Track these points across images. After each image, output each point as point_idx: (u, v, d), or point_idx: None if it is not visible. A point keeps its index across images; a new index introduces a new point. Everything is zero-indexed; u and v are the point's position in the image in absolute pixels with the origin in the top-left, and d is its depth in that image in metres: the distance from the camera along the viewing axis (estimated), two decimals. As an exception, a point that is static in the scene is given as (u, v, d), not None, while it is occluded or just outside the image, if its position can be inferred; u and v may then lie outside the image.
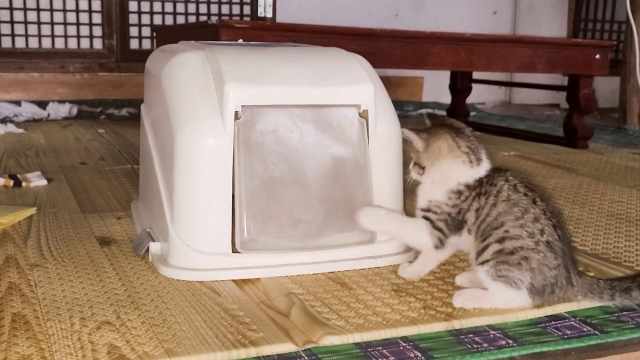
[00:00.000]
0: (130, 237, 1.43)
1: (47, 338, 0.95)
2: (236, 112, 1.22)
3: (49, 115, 3.44)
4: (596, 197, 1.86)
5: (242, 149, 1.23)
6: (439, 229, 1.15)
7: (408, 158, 1.22)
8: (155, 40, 3.67)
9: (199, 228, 1.23)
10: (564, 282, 1.07)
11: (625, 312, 1.11)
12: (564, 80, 2.98)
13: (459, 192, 1.13)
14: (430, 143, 1.15)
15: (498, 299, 1.09)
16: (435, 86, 4.32)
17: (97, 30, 3.91)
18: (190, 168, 1.23)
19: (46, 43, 3.81)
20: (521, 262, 1.05)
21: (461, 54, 2.51)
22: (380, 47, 2.38)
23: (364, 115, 1.30)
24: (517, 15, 4.75)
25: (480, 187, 1.13)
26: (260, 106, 1.25)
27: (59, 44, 3.84)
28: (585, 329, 1.05)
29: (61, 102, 3.58)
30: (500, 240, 1.07)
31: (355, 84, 1.30)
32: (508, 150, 2.66)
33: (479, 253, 1.09)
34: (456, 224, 1.14)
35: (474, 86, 3.59)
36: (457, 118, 3.51)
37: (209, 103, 1.25)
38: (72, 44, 3.86)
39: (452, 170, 1.14)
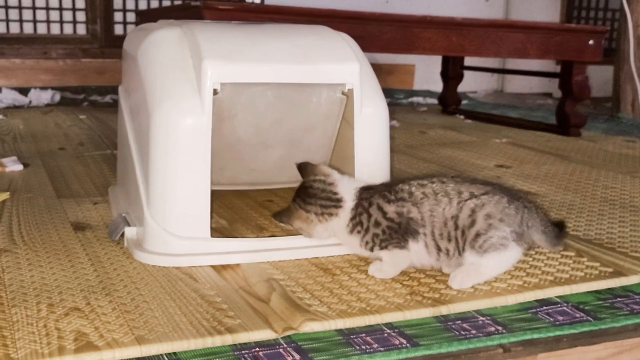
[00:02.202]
0: (106, 223, 1.37)
1: (10, 325, 0.90)
2: (215, 90, 1.17)
3: (30, 102, 3.37)
4: (589, 184, 1.82)
5: (215, 119, 1.18)
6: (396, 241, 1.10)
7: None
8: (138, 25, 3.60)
9: (176, 211, 1.18)
10: (528, 223, 1.10)
11: (619, 299, 1.07)
12: (557, 69, 2.93)
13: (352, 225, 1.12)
14: (293, 224, 1.15)
15: (494, 267, 1.08)
16: (427, 74, 4.26)
17: (81, 16, 3.84)
18: (167, 149, 1.18)
19: (28, 28, 3.74)
20: (490, 222, 1.05)
21: (452, 39, 2.46)
22: (370, 31, 2.32)
23: (348, 94, 1.25)
24: (509, 3, 4.69)
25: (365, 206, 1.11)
26: (240, 84, 1.19)
27: (41, 29, 3.77)
28: (577, 315, 1.00)
29: (43, 88, 3.51)
30: (464, 227, 1.06)
31: (339, 62, 1.25)
32: (500, 138, 2.61)
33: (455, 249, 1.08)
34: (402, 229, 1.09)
35: (466, 75, 3.54)
36: (449, 106, 3.48)
37: (186, 81, 1.19)
38: (55, 29, 3.78)
39: (325, 229, 1.14)
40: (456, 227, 1.06)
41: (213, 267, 1.14)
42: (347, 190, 1.12)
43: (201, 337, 0.88)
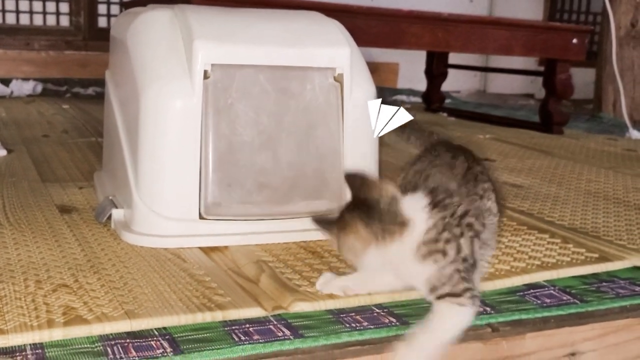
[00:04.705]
0: (92, 206, 1.36)
1: (-3, 300, 0.89)
2: (205, 72, 1.16)
3: (12, 92, 3.33)
4: (573, 177, 1.83)
5: (210, 110, 1.17)
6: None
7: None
8: (125, 18, 3.57)
9: (165, 193, 1.17)
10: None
11: (604, 283, 1.08)
12: (540, 69, 2.95)
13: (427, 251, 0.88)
14: (345, 239, 0.91)
15: None
16: (410, 72, 4.27)
17: (64, 7, 3.81)
18: (156, 130, 1.17)
19: (10, 19, 3.70)
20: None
21: (438, 34, 2.47)
22: (357, 25, 2.31)
23: (338, 79, 1.25)
24: (492, 5, 4.73)
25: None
26: (231, 65, 1.19)
27: (24, 20, 3.73)
28: (564, 298, 1.01)
29: (25, 79, 3.47)
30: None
31: (330, 46, 1.25)
32: (483, 134, 2.63)
33: None
34: None
35: (449, 74, 3.54)
36: (432, 103, 3.49)
37: (176, 62, 1.19)
38: (38, 20, 3.75)
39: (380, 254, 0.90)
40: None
41: (201, 249, 1.14)
42: (414, 209, 0.89)
43: (191, 313, 0.88)
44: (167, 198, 1.17)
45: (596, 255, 1.17)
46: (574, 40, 2.72)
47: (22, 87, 3.35)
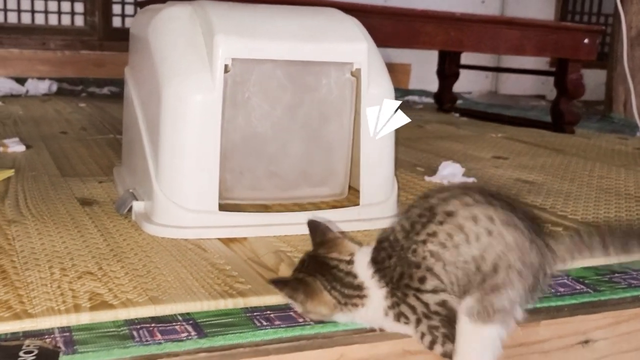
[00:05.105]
0: (112, 199, 1.39)
1: (25, 285, 0.91)
2: (226, 66, 1.19)
3: (27, 91, 3.37)
4: (584, 174, 1.85)
5: (228, 103, 1.20)
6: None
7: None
8: (139, 18, 3.61)
9: (185, 185, 1.20)
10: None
11: (617, 274, 1.10)
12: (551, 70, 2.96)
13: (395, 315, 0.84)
14: (309, 305, 0.85)
15: None
16: (422, 73, 4.29)
17: (79, 7, 3.85)
18: (177, 124, 1.19)
19: (26, 18, 3.74)
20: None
21: (451, 34, 2.48)
22: (371, 24, 2.31)
23: (356, 74, 1.27)
24: (504, 6, 4.74)
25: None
26: (250, 60, 1.21)
27: (39, 19, 3.78)
28: (578, 287, 1.03)
29: (41, 79, 3.51)
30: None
31: (348, 41, 1.27)
32: (496, 133, 2.64)
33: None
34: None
35: (460, 75, 3.56)
36: (444, 104, 3.51)
37: (197, 57, 1.21)
38: (53, 20, 3.79)
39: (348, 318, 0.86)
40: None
41: (221, 239, 1.16)
42: (365, 273, 0.84)
43: (214, 299, 0.90)
44: (187, 190, 1.19)
45: (610, 248, 1.18)
46: (586, 40, 2.73)
47: (38, 86, 3.39)
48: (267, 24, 1.25)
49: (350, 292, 0.83)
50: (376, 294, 0.83)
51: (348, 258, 0.86)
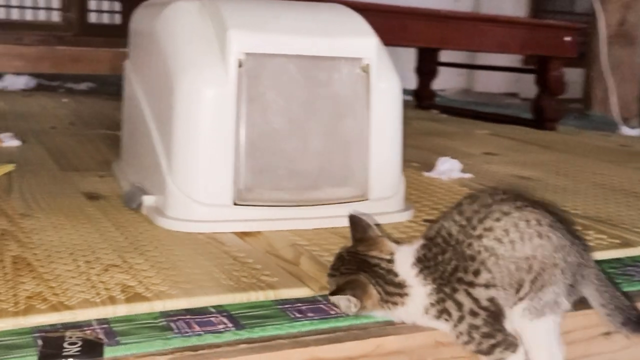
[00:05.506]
0: (117, 194, 1.38)
1: (54, 278, 0.91)
2: (239, 61, 1.19)
3: (6, 87, 3.32)
4: (577, 170, 1.89)
5: (243, 98, 1.20)
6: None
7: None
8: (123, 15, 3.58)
9: (200, 179, 1.19)
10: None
11: (629, 267, 1.12)
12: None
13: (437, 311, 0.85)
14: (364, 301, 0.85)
15: None
16: (399, 71, 4.30)
17: (55, 2, 3.80)
18: (190, 118, 1.19)
19: (1, 13, 3.68)
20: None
21: (437, 31, 2.51)
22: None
23: (365, 69, 1.28)
24: (477, 3, 4.79)
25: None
26: (263, 55, 1.21)
27: (15, 14, 3.72)
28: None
29: (17, 74, 3.46)
30: None
31: (358, 36, 1.29)
32: (480, 129, 2.67)
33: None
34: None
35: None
36: (423, 100, 3.54)
37: (209, 51, 1.21)
38: (29, 15, 3.73)
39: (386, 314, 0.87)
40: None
41: (236, 233, 1.16)
42: (408, 271, 0.85)
43: (245, 292, 0.90)
44: (202, 184, 1.19)
45: (618, 241, 1.21)
46: (567, 38, 2.78)
47: (16, 82, 3.35)
48: (278, 18, 1.26)
49: (392, 289, 0.84)
50: (418, 293, 0.84)
51: (389, 257, 0.86)
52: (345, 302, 0.84)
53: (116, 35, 4.15)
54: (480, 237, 0.83)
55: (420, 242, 0.87)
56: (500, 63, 4.12)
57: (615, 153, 2.26)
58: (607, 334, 0.97)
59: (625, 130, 2.89)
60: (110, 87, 3.52)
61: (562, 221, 0.88)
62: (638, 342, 0.99)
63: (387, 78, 1.31)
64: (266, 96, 1.23)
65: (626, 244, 1.20)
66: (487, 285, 0.82)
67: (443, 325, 0.84)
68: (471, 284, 0.82)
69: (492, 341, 0.82)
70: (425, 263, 0.84)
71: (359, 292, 0.84)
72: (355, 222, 0.92)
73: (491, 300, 0.82)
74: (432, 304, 0.83)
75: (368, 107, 1.28)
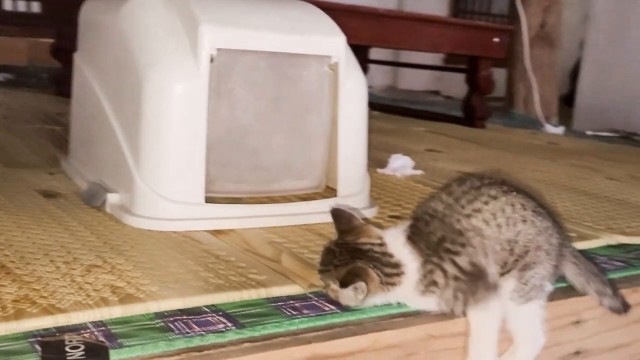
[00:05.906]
0: (74, 191, 1.33)
1: (36, 280, 0.87)
2: (210, 56, 1.17)
3: None
4: (519, 167, 1.95)
5: (212, 95, 1.18)
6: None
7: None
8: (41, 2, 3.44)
9: (171, 177, 1.17)
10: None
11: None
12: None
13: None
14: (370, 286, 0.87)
15: None
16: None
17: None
18: (161, 113, 1.17)
19: None
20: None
21: (375, 30, 2.54)
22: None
23: (333, 67, 1.29)
24: (401, 1, 4.88)
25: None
26: (235, 51, 1.20)
27: None
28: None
29: None
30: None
31: (327, 34, 1.29)
32: (417, 127, 2.72)
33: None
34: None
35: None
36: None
37: (179, 46, 1.19)
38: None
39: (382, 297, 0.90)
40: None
41: (209, 231, 1.15)
42: (400, 249, 0.88)
43: (237, 290, 0.90)
44: (173, 182, 1.17)
45: (575, 234, 1.27)
46: (496, 39, 2.87)
47: None
48: (249, 14, 1.25)
49: (389, 270, 0.87)
50: (411, 269, 0.87)
51: (379, 241, 0.89)
52: (351, 293, 0.85)
53: (34, 25, 4.01)
54: (469, 216, 0.88)
55: (408, 222, 0.91)
56: (423, 61, 4.22)
57: (546, 150, 2.36)
58: (577, 322, 1.02)
59: (550, 129, 3.01)
60: (29, 79, 3.39)
61: (542, 205, 0.94)
62: (604, 329, 1.04)
63: (354, 76, 1.33)
64: (235, 92, 1.22)
65: (582, 237, 1.26)
66: (470, 255, 0.87)
67: (430, 300, 0.88)
68: (457, 254, 0.87)
69: (478, 295, 0.86)
70: (414, 238, 0.88)
71: (363, 277, 0.85)
72: (338, 214, 0.93)
73: (473, 264, 0.86)
74: (420, 279, 0.87)
75: (334, 105, 1.30)
